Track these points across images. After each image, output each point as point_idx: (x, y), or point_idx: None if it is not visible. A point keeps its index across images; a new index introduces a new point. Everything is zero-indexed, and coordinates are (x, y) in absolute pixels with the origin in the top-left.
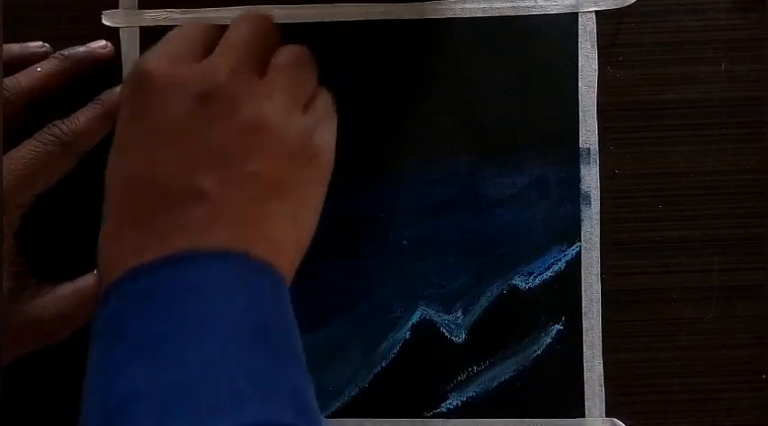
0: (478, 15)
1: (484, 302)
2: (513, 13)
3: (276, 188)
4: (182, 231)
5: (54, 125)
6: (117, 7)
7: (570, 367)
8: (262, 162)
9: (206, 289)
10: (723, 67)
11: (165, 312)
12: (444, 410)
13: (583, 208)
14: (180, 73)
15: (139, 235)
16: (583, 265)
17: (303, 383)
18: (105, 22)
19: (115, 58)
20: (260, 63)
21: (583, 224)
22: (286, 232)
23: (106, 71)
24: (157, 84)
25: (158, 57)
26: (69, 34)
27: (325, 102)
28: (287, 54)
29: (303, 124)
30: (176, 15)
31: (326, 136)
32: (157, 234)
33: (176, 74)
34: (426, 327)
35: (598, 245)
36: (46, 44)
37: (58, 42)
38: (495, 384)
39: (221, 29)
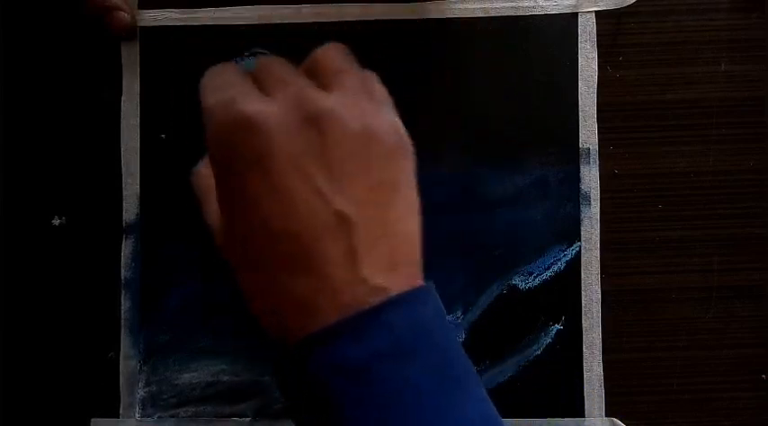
0: (478, 15)
1: (484, 302)
2: (513, 13)
3: (396, 188)
4: (350, 271)
5: None
6: None
7: (570, 367)
8: (376, 168)
9: (407, 349)
10: (723, 67)
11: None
12: None
13: (583, 208)
14: (272, 107)
15: (314, 282)
16: (582, 265)
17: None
18: None
19: (115, 58)
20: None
21: (583, 224)
22: (414, 225)
23: (106, 71)
24: (261, 124)
25: (241, 97)
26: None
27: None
28: (329, 57)
29: (394, 119)
30: (176, 15)
31: (391, 114)
32: (329, 282)
33: (270, 108)
34: None
35: (598, 245)
36: None
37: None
38: (495, 384)
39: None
